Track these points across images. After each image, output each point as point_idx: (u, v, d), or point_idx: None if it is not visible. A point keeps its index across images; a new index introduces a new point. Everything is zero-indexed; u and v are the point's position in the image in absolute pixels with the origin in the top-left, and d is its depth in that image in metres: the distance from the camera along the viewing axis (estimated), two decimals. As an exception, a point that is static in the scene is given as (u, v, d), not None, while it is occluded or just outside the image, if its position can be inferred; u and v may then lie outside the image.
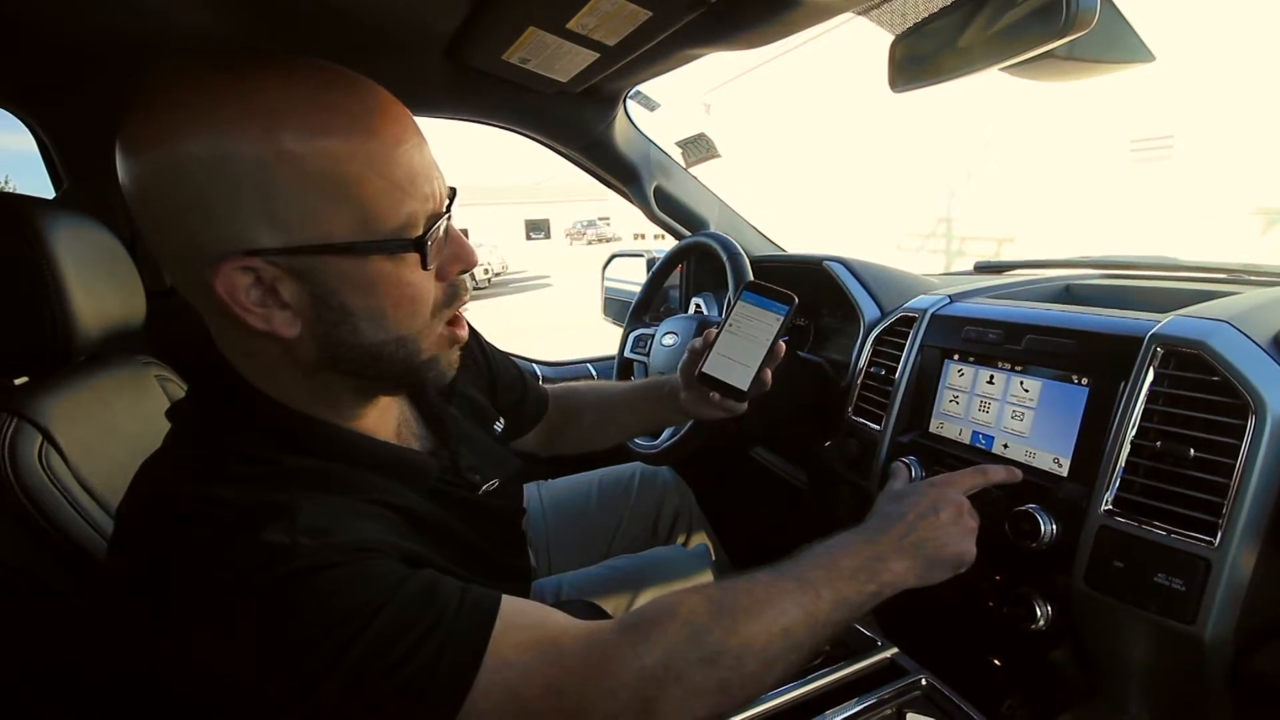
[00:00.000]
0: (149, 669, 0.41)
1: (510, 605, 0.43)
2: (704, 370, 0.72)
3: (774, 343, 0.71)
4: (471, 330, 0.61)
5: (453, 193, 0.47)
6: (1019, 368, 0.77)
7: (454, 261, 0.47)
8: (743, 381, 0.71)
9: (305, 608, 0.37)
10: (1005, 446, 0.76)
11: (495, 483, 0.62)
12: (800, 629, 0.48)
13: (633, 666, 0.42)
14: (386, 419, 0.55)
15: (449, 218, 0.46)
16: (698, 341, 0.75)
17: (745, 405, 0.73)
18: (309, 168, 0.39)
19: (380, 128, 0.41)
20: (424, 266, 0.44)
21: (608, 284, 1.74)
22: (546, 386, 0.89)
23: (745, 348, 0.72)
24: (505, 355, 0.82)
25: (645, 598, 0.86)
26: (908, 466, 0.81)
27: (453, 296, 0.48)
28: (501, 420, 0.72)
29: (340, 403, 0.49)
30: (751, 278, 0.97)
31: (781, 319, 0.71)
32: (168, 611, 0.38)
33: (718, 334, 0.73)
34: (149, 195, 0.40)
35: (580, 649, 0.42)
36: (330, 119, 0.40)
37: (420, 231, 0.43)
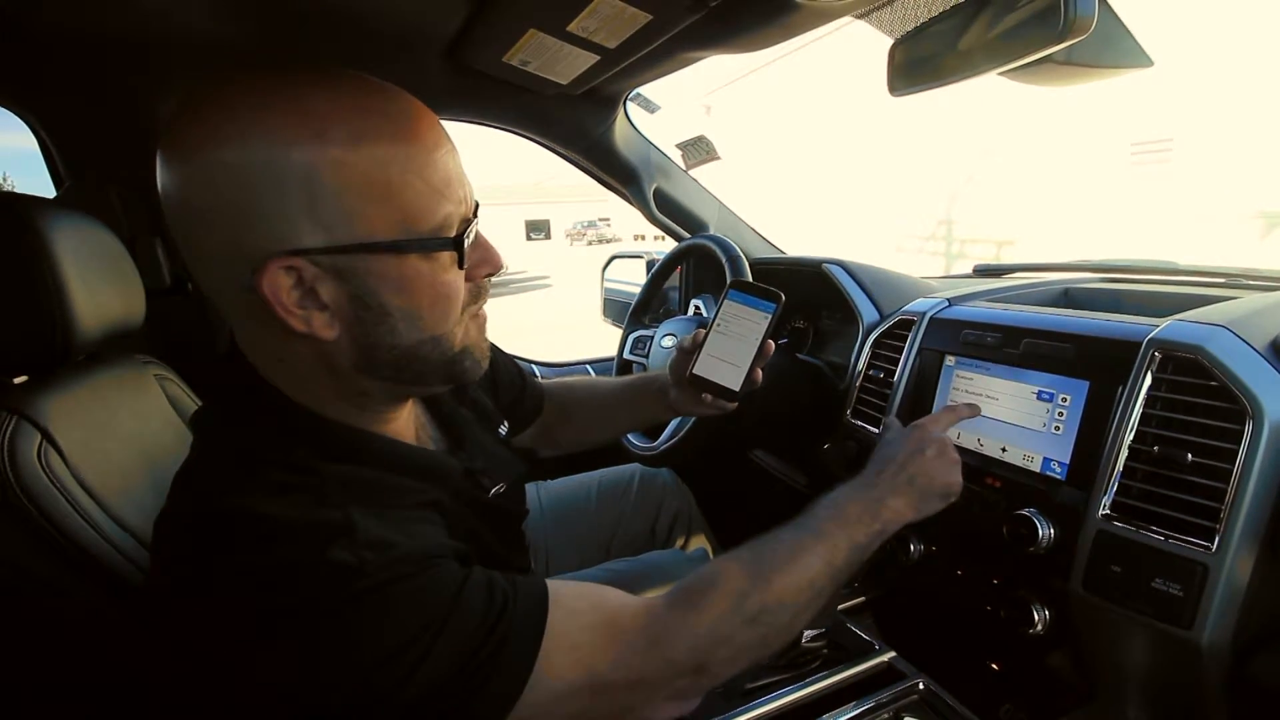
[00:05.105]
0: (190, 683, 0.41)
1: (564, 590, 0.46)
2: (694, 372, 0.72)
3: (763, 341, 0.70)
4: None
5: (477, 205, 0.49)
6: (1017, 371, 0.77)
7: (482, 264, 0.49)
8: (734, 381, 0.70)
9: (378, 623, 0.38)
10: (1003, 450, 0.76)
11: (503, 485, 0.62)
12: (823, 578, 0.54)
13: (687, 636, 0.47)
14: (408, 423, 0.56)
15: (478, 222, 0.48)
16: (686, 340, 0.75)
17: (735, 404, 0.72)
18: (355, 171, 0.40)
19: (420, 133, 0.43)
20: (460, 266, 0.46)
21: (607, 285, 1.74)
22: (541, 382, 0.89)
23: (735, 347, 0.71)
24: (504, 353, 0.82)
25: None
26: (899, 418, 0.82)
27: (477, 296, 0.51)
28: (506, 423, 0.72)
29: (369, 407, 0.50)
30: (749, 279, 0.97)
31: (769, 316, 0.70)
32: (227, 634, 0.38)
33: (706, 335, 0.73)
34: (195, 197, 0.40)
35: (640, 625, 0.47)
36: (375, 125, 0.41)
37: (455, 232, 0.45)
